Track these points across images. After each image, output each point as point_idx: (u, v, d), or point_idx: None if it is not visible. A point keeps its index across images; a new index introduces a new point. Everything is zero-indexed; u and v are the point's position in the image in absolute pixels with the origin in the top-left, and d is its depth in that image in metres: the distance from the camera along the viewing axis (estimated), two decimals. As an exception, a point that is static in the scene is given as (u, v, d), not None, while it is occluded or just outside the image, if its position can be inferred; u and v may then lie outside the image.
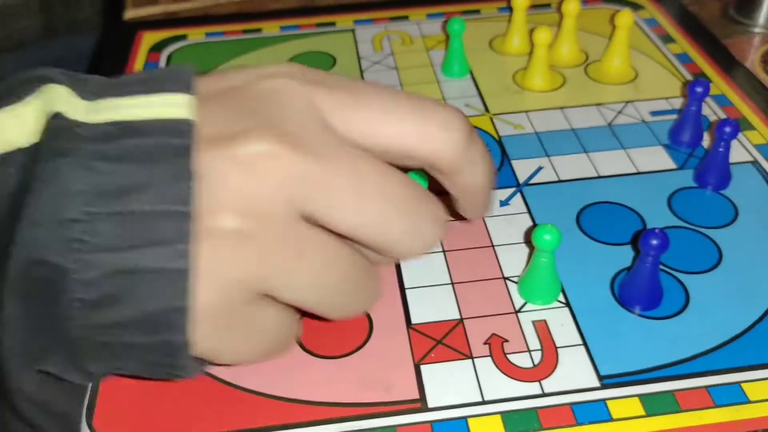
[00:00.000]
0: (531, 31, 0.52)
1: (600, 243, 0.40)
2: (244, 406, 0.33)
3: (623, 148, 0.47)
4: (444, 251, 0.40)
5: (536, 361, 0.34)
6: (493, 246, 0.40)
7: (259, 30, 0.61)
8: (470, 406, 0.32)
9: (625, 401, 0.33)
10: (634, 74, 0.54)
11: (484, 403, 0.33)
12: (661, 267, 0.39)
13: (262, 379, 0.34)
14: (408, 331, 0.36)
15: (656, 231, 0.35)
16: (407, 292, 0.38)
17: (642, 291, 0.36)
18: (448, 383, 0.33)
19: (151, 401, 0.33)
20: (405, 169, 0.32)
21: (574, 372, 0.34)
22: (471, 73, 0.55)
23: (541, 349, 0.35)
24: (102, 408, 0.33)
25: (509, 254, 0.40)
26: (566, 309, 0.37)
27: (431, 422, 0.32)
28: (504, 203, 0.43)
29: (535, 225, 0.41)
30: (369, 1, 0.67)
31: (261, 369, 0.34)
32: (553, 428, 0.32)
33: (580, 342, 0.35)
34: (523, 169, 0.46)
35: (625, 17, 0.52)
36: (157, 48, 0.59)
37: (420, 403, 0.33)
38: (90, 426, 0.32)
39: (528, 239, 0.40)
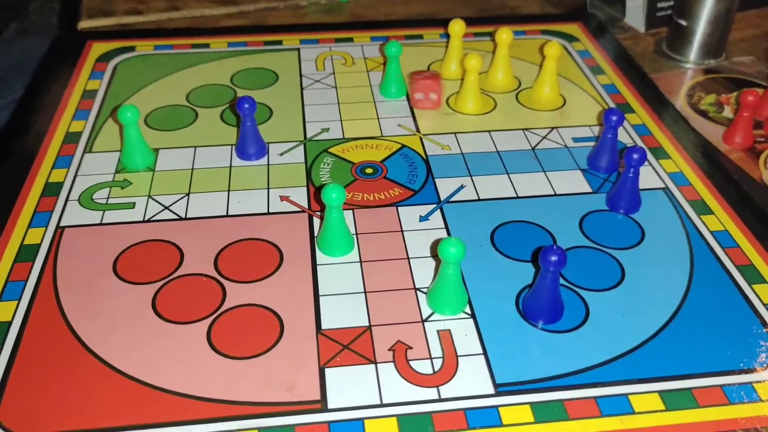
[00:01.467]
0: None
1: (510, 259, 0.42)
2: (150, 402, 0.34)
3: (543, 171, 0.49)
4: (361, 261, 0.42)
5: (437, 368, 0.36)
6: (408, 258, 0.42)
7: (207, 45, 0.63)
8: (368, 408, 0.34)
9: (516, 408, 0.34)
10: (562, 102, 0.56)
11: (382, 405, 0.34)
12: (565, 284, 0.40)
13: (170, 376, 0.35)
14: (317, 336, 0.37)
15: (554, 248, 0.36)
16: (321, 299, 0.39)
17: (542, 306, 0.38)
18: (350, 386, 0.35)
19: (58, 394, 0.34)
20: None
21: (472, 379, 0.35)
22: (407, 94, 0.57)
23: (443, 357, 0.36)
24: (8, 400, 0.33)
25: (423, 267, 0.41)
26: (471, 320, 0.38)
27: (329, 422, 0.33)
28: (424, 218, 0.45)
29: (450, 240, 0.43)
30: (317, 22, 0.69)
31: (170, 367, 0.35)
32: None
33: (481, 351, 0.37)
34: (445, 187, 0.47)
35: (553, 48, 0.55)
36: (104, 58, 0.60)
37: (320, 404, 0.34)
38: (-6, 418, 0.33)
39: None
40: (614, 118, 0.47)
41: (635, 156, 0.44)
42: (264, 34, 0.64)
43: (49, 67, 0.60)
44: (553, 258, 0.36)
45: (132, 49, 0.62)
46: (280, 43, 0.63)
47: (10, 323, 0.37)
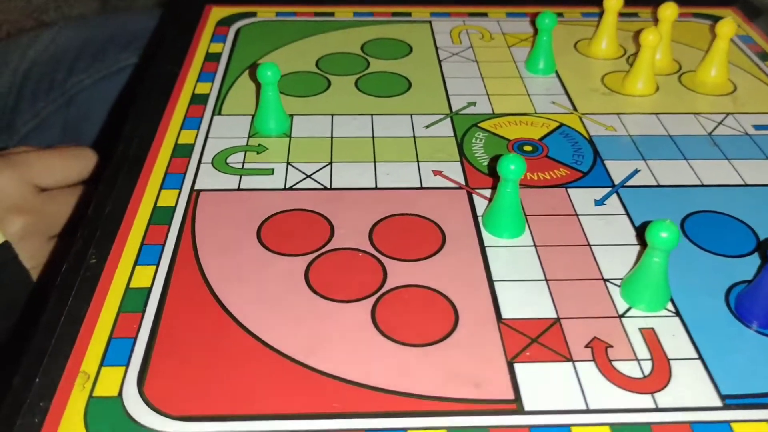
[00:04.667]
0: (620, 35, 0.49)
1: (710, 253, 0.36)
2: (313, 389, 0.29)
3: (727, 159, 0.43)
4: (535, 245, 0.36)
5: (646, 372, 0.30)
6: (590, 245, 0.36)
7: (331, 14, 0.58)
8: (574, 414, 0.28)
9: (752, 426, 0.28)
10: (731, 87, 0.50)
11: (589, 411, 0.28)
12: (782, 283, 0.34)
13: (337, 361, 0.30)
14: (499, 326, 0.32)
15: (792, 236, 0.31)
16: (496, 284, 0.34)
17: (765, 305, 0.32)
18: (547, 386, 0.29)
19: (209, 373, 0.29)
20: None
21: (691, 388, 0.29)
22: (556, 72, 0.51)
23: (651, 360, 0.31)
24: (154, 377, 0.29)
25: (608, 255, 0.36)
26: (676, 318, 0.33)
27: (530, 427, 0.28)
28: (599, 202, 0.39)
29: (636, 227, 0.37)
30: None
31: (333, 350, 0.30)
32: (670, 447, 0.27)
33: (696, 356, 0.31)
34: (617, 170, 0.42)
35: (728, 26, 0.49)
36: (225, 23, 0.56)
37: (515, 404, 0.28)
38: (142, 394, 0.28)
39: (634, 240, 0.36)
40: (818, 100, 0.41)
41: None
42: (391, 5, 0.60)
43: (167, 29, 0.56)
44: (788, 249, 0.31)
45: (253, 14, 0.58)
46: (408, 15, 0.59)
47: (150, 289, 0.33)
